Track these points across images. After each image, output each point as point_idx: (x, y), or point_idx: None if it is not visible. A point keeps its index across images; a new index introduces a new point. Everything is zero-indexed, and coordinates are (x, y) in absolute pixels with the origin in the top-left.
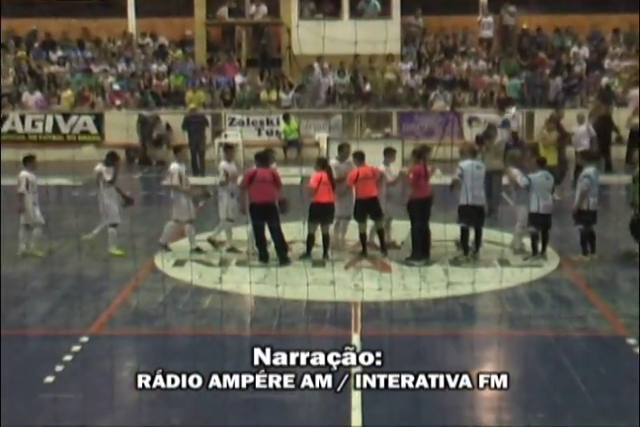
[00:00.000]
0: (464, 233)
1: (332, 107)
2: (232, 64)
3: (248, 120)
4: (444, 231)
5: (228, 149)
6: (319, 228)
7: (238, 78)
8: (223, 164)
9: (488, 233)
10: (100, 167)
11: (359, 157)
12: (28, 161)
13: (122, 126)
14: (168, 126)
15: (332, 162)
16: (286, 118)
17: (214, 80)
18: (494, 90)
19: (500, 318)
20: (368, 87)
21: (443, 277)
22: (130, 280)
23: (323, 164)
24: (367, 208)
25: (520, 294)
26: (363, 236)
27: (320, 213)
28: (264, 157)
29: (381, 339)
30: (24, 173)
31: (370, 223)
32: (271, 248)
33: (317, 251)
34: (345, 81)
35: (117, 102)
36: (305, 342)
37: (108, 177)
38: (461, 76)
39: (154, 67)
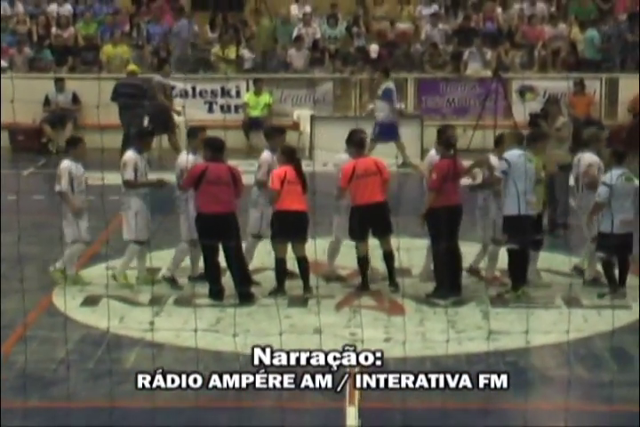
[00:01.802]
0: (514, 257)
1: (318, 70)
2: (170, 6)
3: (194, 90)
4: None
5: (277, 133)
6: (290, 249)
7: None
8: (265, 155)
9: (549, 258)
10: (130, 155)
11: (357, 144)
12: (73, 146)
13: (5, 98)
14: (75, 98)
15: (432, 153)
16: (257, 86)
17: (144, 30)
18: (560, 46)
19: (568, 385)
20: (375, 47)
21: (480, 324)
22: (14, 327)
23: (289, 154)
24: (369, 219)
25: (597, 350)
26: (362, 260)
27: (288, 227)
28: (218, 146)
29: (390, 413)
30: (67, 164)
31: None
32: (227, 279)
33: (295, 284)
34: (338, 33)
35: None
36: (278, 417)
37: (131, 172)
38: (510, 26)
39: (53, 8)
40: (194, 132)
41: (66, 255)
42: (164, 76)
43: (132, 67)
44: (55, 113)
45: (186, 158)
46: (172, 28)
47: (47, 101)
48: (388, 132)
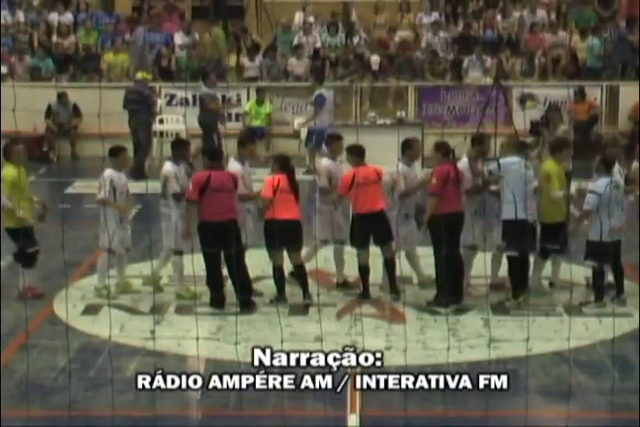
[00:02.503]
0: (514, 265)
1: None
2: (170, 14)
3: (195, 98)
4: (485, 262)
5: (336, 140)
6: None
7: (180, 36)
8: (325, 162)
9: (550, 266)
10: (168, 168)
11: (356, 153)
12: (115, 155)
13: (5, 106)
14: (76, 110)
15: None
16: (260, 95)
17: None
18: (560, 54)
19: (569, 393)
20: (375, 59)
21: (482, 332)
22: (15, 335)
23: (282, 163)
24: (369, 227)
25: (598, 358)
26: (363, 268)
27: (280, 236)
28: (216, 153)
29: (391, 422)
30: (109, 173)
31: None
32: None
33: (296, 291)
34: (338, 41)
35: None
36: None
37: (176, 186)
38: (510, 34)
39: (53, 17)
40: (242, 142)
41: (117, 267)
42: (209, 86)
43: (140, 74)
44: (58, 123)
45: (234, 167)
46: (128, 37)
47: (49, 111)
48: (314, 138)
